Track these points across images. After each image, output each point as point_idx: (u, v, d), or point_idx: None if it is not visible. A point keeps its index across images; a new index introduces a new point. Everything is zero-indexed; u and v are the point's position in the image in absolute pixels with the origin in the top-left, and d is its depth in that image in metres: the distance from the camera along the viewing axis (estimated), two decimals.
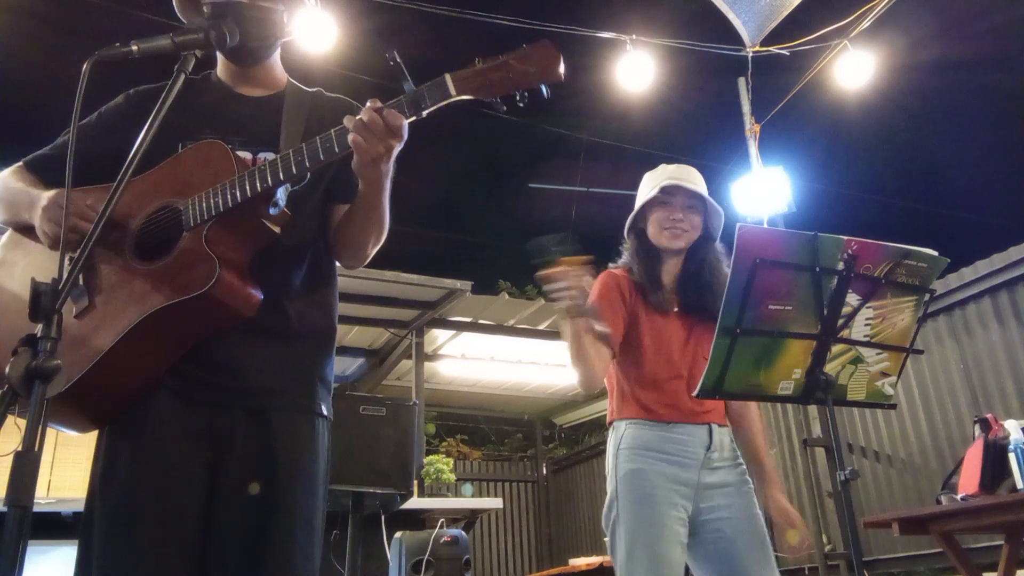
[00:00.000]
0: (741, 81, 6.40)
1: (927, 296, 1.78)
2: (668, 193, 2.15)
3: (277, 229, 1.42)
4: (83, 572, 1.32)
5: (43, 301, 1.04)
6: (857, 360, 1.79)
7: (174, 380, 1.40)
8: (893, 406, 1.94)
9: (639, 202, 2.21)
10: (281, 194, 1.43)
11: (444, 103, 1.31)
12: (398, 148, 1.36)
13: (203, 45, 1.34)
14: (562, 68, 1.29)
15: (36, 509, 0.99)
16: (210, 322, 1.38)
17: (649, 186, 2.20)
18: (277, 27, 1.58)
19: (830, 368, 1.74)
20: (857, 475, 1.74)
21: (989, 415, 3.28)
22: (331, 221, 1.59)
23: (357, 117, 1.30)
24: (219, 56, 1.65)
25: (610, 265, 2.26)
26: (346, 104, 1.66)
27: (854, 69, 5.96)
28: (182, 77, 1.30)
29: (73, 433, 1.47)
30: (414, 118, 1.33)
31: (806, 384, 1.74)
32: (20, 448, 0.95)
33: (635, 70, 5.98)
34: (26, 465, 0.94)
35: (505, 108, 1.31)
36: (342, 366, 7.38)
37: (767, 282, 1.64)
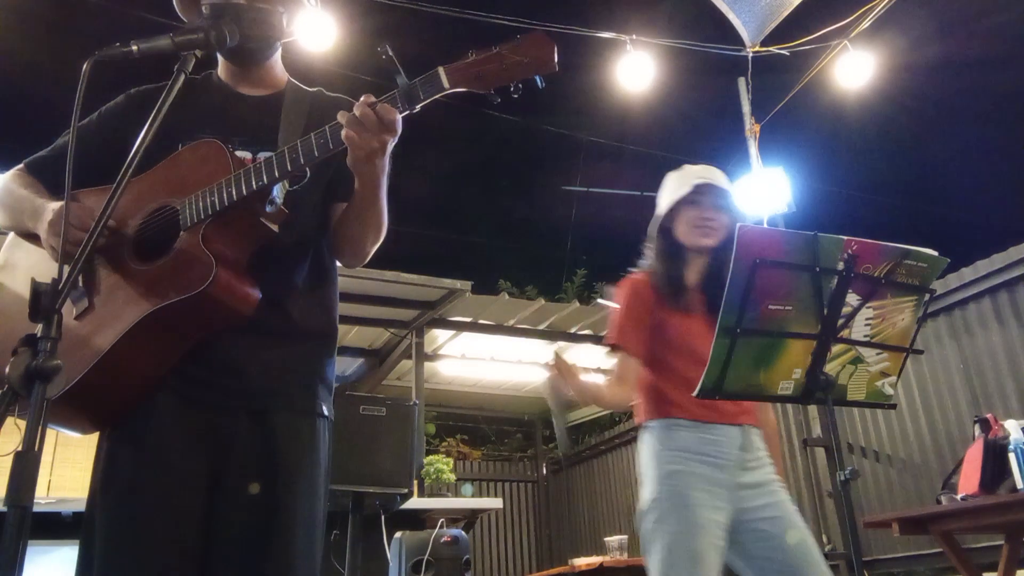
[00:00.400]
0: (741, 81, 6.41)
1: (927, 296, 1.78)
2: (699, 192, 2.16)
3: (275, 227, 1.42)
4: (84, 573, 1.32)
5: (43, 301, 1.04)
6: (857, 360, 1.78)
7: (175, 381, 1.40)
8: (893, 406, 1.94)
9: (668, 201, 2.21)
10: (277, 192, 1.43)
11: (438, 95, 1.30)
12: (392, 143, 1.35)
13: (203, 45, 1.34)
14: (556, 58, 1.28)
15: (36, 509, 0.99)
16: (209, 321, 1.38)
17: (676, 186, 2.21)
18: (276, 28, 1.58)
19: (830, 368, 1.74)
20: (857, 475, 1.73)
21: (989, 415, 3.28)
22: (331, 220, 1.58)
23: (350, 112, 1.30)
24: (220, 56, 1.65)
25: (632, 270, 2.26)
26: (346, 104, 1.65)
27: (854, 69, 5.96)
28: (182, 77, 1.30)
29: (75, 434, 1.47)
30: (408, 112, 1.32)
31: (806, 384, 1.74)
32: (20, 448, 0.94)
33: (635, 70, 5.98)
34: (26, 465, 0.94)
35: (499, 100, 1.30)
36: (342, 366, 7.38)
37: (767, 282, 1.64)
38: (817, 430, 5.61)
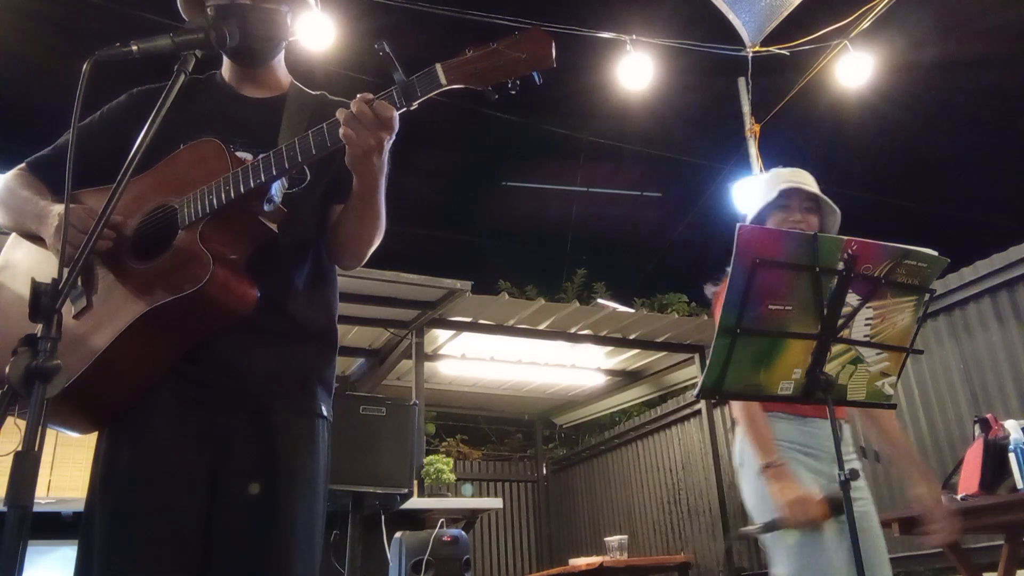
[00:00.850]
0: (741, 81, 6.41)
1: (927, 296, 1.78)
2: (786, 196, 2.16)
3: (274, 227, 1.41)
4: (83, 573, 1.32)
5: (43, 301, 1.04)
6: (857, 360, 1.78)
7: (174, 381, 1.40)
8: (893, 406, 1.94)
9: (757, 206, 2.21)
10: (276, 190, 1.42)
11: (435, 92, 1.29)
12: (390, 141, 1.35)
13: (203, 45, 1.34)
14: (554, 54, 1.27)
15: (36, 509, 0.99)
16: (207, 320, 1.38)
17: (765, 191, 2.21)
18: (280, 28, 1.57)
19: (830, 368, 1.74)
20: (857, 475, 1.73)
21: (989, 415, 3.28)
22: (331, 221, 1.58)
23: (348, 110, 1.30)
24: (224, 57, 1.65)
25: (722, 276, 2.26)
26: (348, 106, 1.65)
27: (854, 69, 5.97)
28: (182, 77, 1.30)
29: (74, 434, 1.47)
30: (405, 109, 1.32)
31: (806, 384, 1.74)
32: (20, 448, 0.94)
33: (635, 70, 5.99)
34: (26, 465, 0.94)
35: (497, 97, 1.30)
36: (342, 366, 7.37)
37: (767, 282, 1.64)
38: None
